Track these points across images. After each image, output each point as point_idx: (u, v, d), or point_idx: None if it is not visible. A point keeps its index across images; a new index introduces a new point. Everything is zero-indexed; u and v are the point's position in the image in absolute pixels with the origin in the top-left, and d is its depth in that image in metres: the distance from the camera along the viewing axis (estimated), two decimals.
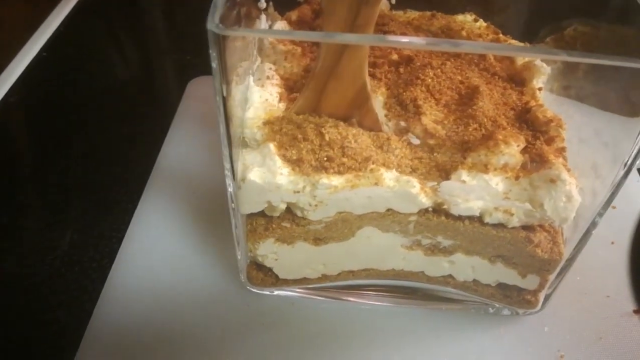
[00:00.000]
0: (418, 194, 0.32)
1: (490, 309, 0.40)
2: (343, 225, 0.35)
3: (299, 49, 0.39)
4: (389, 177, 0.32)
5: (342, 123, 0.33)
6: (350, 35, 0.30)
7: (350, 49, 0.30)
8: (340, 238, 0.36)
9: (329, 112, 0.33)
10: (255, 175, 0.32)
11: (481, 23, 0.45)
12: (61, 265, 0.42)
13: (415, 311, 0.40)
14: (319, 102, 0.33)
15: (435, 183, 0.32)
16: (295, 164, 0.32)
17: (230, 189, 0.34)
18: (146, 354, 0.37)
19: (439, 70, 0.39)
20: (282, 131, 0.33)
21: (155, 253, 0.43)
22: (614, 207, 0.47)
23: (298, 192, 0.32)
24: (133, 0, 0.77)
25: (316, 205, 0.33)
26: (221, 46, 0.27)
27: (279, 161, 0.32)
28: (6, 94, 0.58)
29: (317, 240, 0.36)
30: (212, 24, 0.26)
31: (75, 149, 0.53)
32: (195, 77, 0.58)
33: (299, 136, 0.32)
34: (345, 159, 0.32)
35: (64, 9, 0.70)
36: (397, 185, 0.32)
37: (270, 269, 0.39)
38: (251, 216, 0.35)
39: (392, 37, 0.35)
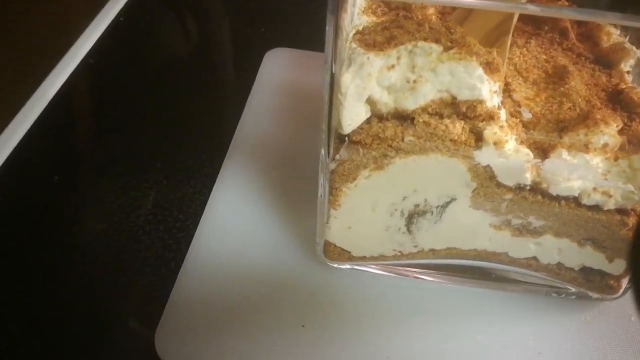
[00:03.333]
0: (527, 169, 0.32)
1: (554, 294, 0.40)
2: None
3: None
4: (511, 145, 0.32)
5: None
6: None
7: None
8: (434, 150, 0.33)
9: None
10: (346, 79, 0.30)
11: (563, 2, 0.44)
12: (146, 224, 0.44)
13: (489, 293, 0.40)
14: (463, 23, 0.32)
15: (539, 160, 0.32)
16: (386, 42, 0.30)
17: (322, 151, 0.34)
18: (229, 319, 0.38)
19: (524, 49, 0.39)
20: (371, 30, 0.31)
21: (237, 220, 0.44)
22: None
23: (393, 67, 0.30)
24: None
25: (415, 82, 0.30)
26: (339, 10, 0.27)
27: (362, 50, 0.30)
28: (86, 56, 0.60)
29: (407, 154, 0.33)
30: None
31: (155, 113, 0.54)
32: (272, 49, 0.59)
33: (392, 27, 0.30)
34: (450, 44, 0.30)
35: None
36: (514, 155, 0.31)
37: None
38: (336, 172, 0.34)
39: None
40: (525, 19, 0.43)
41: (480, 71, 0.30)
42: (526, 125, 0.33)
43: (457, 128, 0.31)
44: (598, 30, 0.41)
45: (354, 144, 0.32)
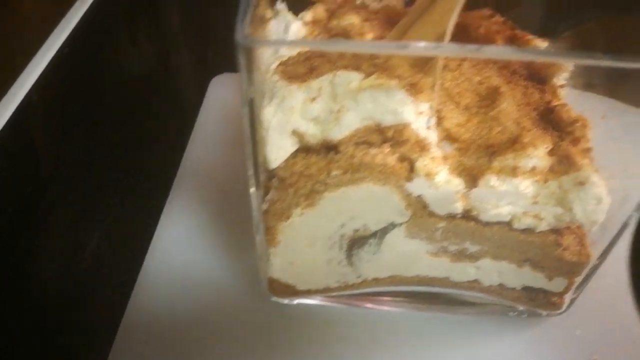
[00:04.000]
0: (458, 199, 0.32)
1: (510, 312, 0.40)
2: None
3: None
4: (442, 176, 0.31)
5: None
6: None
7: None
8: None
9: None
10: (268, 113, 0.30)
11: (497, 18, 0.44)
12: (90, 266, 0.43)
13: (439, 316, 0.40)
14: None
15: (466, 189, 0.32)
16: (308, 73, 0.30)
17: (252, 191, 0.33)
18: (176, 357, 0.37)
19: (456, 72, 0.38)
20: (294, 61, 0.30)
21: (182, 258, 0.43)
22: None
23: (314, 98, 0.30)
24: None
25: (338, 112, 0.30)
26: (249, 55, 0.26)
27: (284, 83, 0.30)
28: (29, 91, 0.58)
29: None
30: (241, 36, 0.26)
31: (99, 148, 0.54)
32: (218, 75, 0.58)
33: (314, 56, 0.30)
34: (372, 69, 0.29)
35: (82, 5, 0.70)
36: (445, 186, 0.31)
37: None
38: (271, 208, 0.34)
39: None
40: (460, 39, 0.43)
41: (400, 94, 0.29)
42: (456, 152, 0.34)
43: (386, 157, 0.31)
44: (528, 45, 0.42)
45: (282, 182, 0.32)
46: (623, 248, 0.43)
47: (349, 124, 0.30)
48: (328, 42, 0.29)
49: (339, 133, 0.30)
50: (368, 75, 0.29)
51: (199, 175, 0.49)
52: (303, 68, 0.30)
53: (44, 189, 0.50)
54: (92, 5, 0.71)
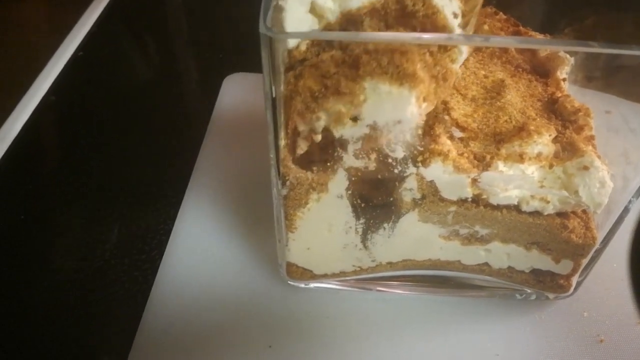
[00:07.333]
0: (467, 183, 0.34)
1: (517, 295, 0.42)
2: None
3: None
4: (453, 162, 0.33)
5: None
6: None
7: None
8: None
9: None
10: None
11: (501, 16, 0.46)
12: (111, 258, 0.44)
13: (449, 300, 0.42)
14: None
15: (476, 174, 0.33)
16: None
17: (273, 175, 0.35)
18: (198, 345, 0.39)
19: (463, 66, 0.40)
20: None
21: (201, 247, 0.45)
22: None
23: None
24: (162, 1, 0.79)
25: None
26: (273, 48, 0.28)
27: None
28: (47, 93, 0.60)
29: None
30: (265, 27, 0.27)
31: (117, 145, 0.55)
32: (230, 74, 0.60)
33: None
34: None
35: (95, 9, 0.72)
36: (456, 172, 0.33)
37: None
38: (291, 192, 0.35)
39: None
40: None
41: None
42: (466, 142, 0.35)
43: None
44: None
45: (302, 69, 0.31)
46: (626, 233, 0.45)
47: None
48: (344, 33, 0.30)
49: (357, 1, 0.29)
50: None
51: (214, 167, 0.51)
52: None
53: (62, 185, 0.52)
54: (104, 9, 0.73)
